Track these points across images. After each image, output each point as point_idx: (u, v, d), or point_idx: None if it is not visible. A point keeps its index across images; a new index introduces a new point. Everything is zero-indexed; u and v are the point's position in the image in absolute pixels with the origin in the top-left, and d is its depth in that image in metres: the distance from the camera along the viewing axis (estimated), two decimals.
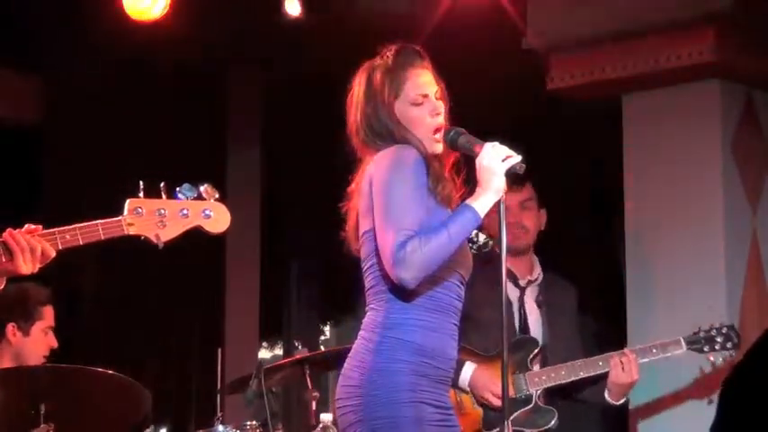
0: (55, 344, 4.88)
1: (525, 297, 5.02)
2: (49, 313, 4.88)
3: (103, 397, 4.41)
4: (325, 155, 3.71)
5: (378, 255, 3.48)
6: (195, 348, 7.02)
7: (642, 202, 5.86)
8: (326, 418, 4.35)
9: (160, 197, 3.51)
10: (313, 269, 7.80)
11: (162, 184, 3.50)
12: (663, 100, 5.82)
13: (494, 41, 6.00)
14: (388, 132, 3.55)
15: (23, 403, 4.22)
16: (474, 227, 3.49)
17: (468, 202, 3.49)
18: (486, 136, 3.57)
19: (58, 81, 6.68)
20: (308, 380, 4.95)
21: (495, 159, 3.49)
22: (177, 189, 3.53)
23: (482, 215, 3.47)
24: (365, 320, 3.55)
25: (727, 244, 5.64)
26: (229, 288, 7.27)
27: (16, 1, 6.17)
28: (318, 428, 4.41)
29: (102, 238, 3.45)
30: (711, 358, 4.95)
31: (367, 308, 3.57)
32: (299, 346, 5.07)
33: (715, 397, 5.33)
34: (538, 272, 5.09)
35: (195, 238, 7.71)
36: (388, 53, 3.63)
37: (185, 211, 3.53)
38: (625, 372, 4.78)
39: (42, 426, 4.20)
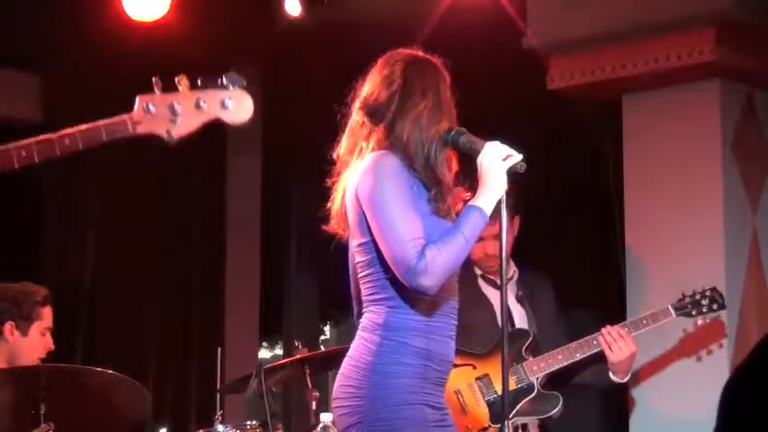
0: (52, 346, 4.85)
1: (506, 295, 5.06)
2: (47, 314, 4.85)
3: (103, 397, 4.41)
4: (326, 155, 3.70)
5: (377, 264, 3.50)
6: (195, 348, 7.01)
7: (642, 201, 5.86)
8: (326, 418, 4.35)
9: (176, 90, 3.20)
10: (313, 269, 7.80)
11: (177, 78, 3.20)
12: (663, 100, 5.83)
13: (494, 41, 6.00)
14: (419, 126, 3.52)
15: (23, 403, 4.22)
16: (483, 226, 3.51)
17: (472, 202, 3.50)
18: (487, 136, 3.58)
19: (58, 80, 6.67)
20: (308, 380, 4.95)
21: (496, 159, 3.50)
22: (198, 80, 3.22)
23: (488, 214, 3.49)
24: (364, 322, 3.55)
25: (727, 244, 5.64)
26: (229, 288, 7.26)
27: (16, 1, 6.17)
28: (318, 428, 4.41)
29: (105, 139, 3.17)
30: (699, 321, 5.06)
31: (364, 310, 3.57)
32: (299, 346, 5.05)
33: (703, 353, 5.41)
34: (513, 270, 5.18)
35: (195, 236, 7.69)
36: (439, 61, 3.63)
37: (202, 103, 3.22)
38: (621, 348, 4.85)
39: (42, 426, 4.19)
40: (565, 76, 5.91)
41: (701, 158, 5.72)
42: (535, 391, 4.88)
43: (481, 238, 4.82)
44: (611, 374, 4.95)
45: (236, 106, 3.27)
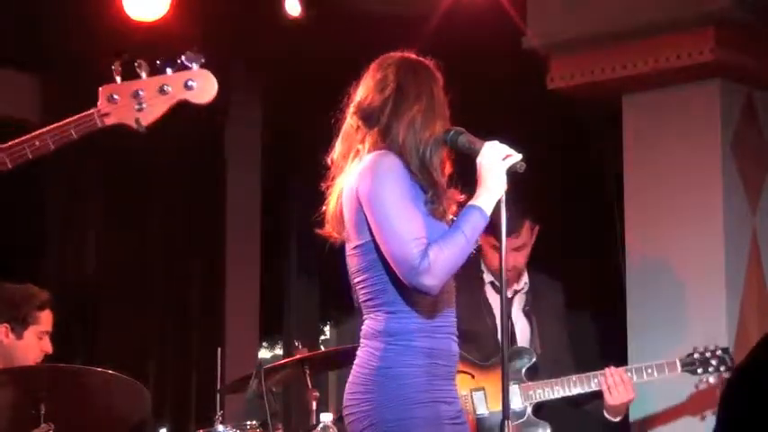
0: (50, 350, 4.82)
1: (512, 307, 5.04)
2: (46, 318, 4.83)
3: (103, 397, 4.41)
4: (326, 155, 3.70)
5: (373, 268, 3.49)
6: (195, 348, 7.02)
7: (642, 201, 5.86)
8: (326, 418, 4.35)
9: (139, 77, 3.19)
10: (313, 269, 7.80)
11: (137, 63, 3.19)
12: (663, 100, 5.82)
13: (494, 41, 6.00)
14: (413, 130, 3.51)
15: (23, 403, 4.22)
16: (483, 226, 3.50)
17: (472, 202, 3.50)
18: (486, 136, 3.57)
19: (58, 80, 6.67)
20: (308, 380, 4.95)
21: (496, 158, 3.50)
22: (157, 62, 3.22)
23: (489, 214, 3.48)
24: (365, 329, 3.53)
25: (727, 244, 5.64)
26: (229, 288, 7.26)
27: (16, 1, 6.17)
28: (318, 428, 4.41)
29: (75, 137, 3.18)
30: (704, 380, 5.00)
31: (364, 317, 3.56)
32: (299, 346, 5.05)
33: (708, 413, 5.38)
34: (524, 281, 5.12)
35: (196, 236, 7.69)
36: (432, 62, 3.63)
37: (166, 87, 3.22)
38: (620, 393, 4.82)
39: (42, 426, 4.19)
40: (565, 76, 5.90)
41: (701, 158, 5.72)
42: (526, 416, 4.86)
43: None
44: (604, 412, 4.92)
45: (201, 86, 3.25)
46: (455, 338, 3.60)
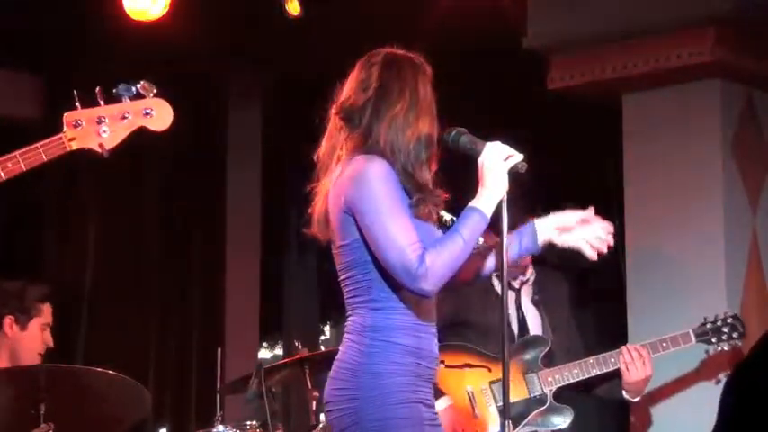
0: (51, 342, 4.86)
1: (521, 298, 5.05)
2: (47, 311, 4.87)
3: (103, 397, 4.41)
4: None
5: (359, 266, 3.46)
6: (195, 348, 7.02)
7: (642, 201, 5.86)
8: None
9: (98, 104, 3.41)
10: (313, 269, 7.80)
11: (97, 90, 3.40)
12: (663, 100, 5.83)
13: (494, 41, 6.00)
14: (393, 126, 3.48)
15: (23, 403, 4.23)
16: (483, 228, 3.48)
17: (473, 204, 3.47)
18: (487, 136, 3.57)
19: (58, 81, 6.67)
20: (308, 380, 4.96)
21: (497, 159, 3.48)
22: (114, 90, 3.43)
23: (489, 216, 3.46)
24: (350, 325, 3.52)
25: (727, 244, 5.65)
26: (229, 288, 7.27)
27: (16, 1, 6.16)
28: (318, 428, 4.41)
29: (45, 159, 3.38)
30: (718, 348, 5.03)
31: (348, 312, 3.54)
32: (299, 346, 5.06)
33: (723, 376, 5.39)
34: (530, 271, 5.12)
35: (196, 236, 7.68)
36: (425, 62, 3.60)
37: (126, 114, 3.44)
38: (638, 369, 4.83)
39: (42, 425, 4.20)
40: (565, 77, 5.91)
41: (701, 158, 5.73)
42: (548, 402, 4.86)
43: None
44: (623, 393, 4.93)
45: (158, 114, 3.49)
46: (436, 339, 3.58)
